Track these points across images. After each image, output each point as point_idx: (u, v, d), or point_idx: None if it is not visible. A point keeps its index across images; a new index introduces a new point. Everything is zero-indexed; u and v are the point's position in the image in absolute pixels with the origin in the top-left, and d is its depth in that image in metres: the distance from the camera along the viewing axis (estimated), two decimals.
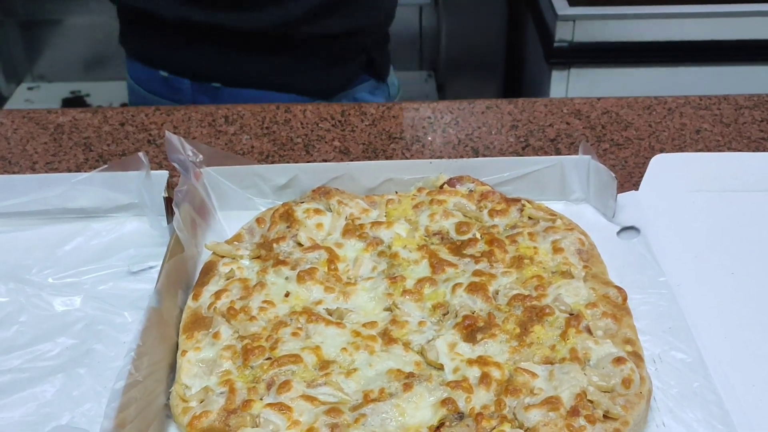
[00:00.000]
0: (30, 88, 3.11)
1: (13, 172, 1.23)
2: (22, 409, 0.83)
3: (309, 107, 1.39)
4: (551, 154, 1.26)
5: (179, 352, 0.87)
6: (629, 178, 1.19)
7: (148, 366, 0.79)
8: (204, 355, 0.87)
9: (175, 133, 1.08)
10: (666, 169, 1.16)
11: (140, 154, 1.04)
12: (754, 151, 1.26)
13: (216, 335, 0.88)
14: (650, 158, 1.17)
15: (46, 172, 1.24)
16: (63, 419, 0.82)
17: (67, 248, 1.05)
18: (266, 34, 1.53)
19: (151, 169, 1.06)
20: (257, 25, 1.51)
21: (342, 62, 1.61)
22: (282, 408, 0.79)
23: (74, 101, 3.01)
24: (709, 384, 0.84)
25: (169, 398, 0.83)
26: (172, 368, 0.86)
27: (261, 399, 0.81)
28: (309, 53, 1.58)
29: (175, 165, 1.04)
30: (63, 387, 0.86)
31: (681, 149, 1.26)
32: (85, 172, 1.10)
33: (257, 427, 0.78)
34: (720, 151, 1.26)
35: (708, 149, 1.26)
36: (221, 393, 0.82)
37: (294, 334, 0.88)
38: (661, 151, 1.24)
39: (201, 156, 1.07)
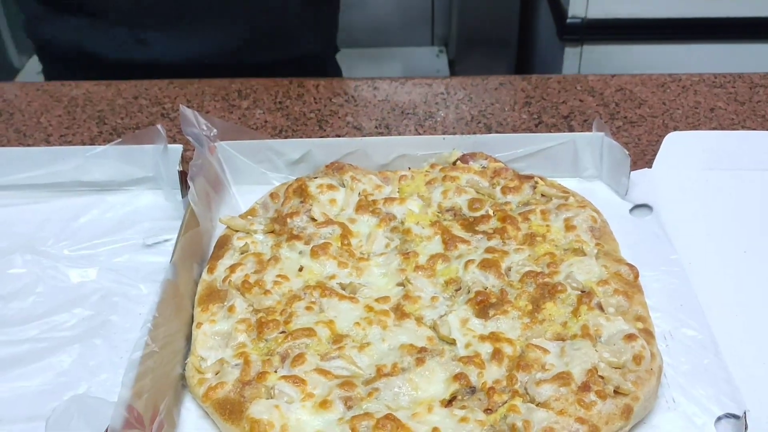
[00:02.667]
0: None
1: (28, 145, 1.24)
2: (40, 378, 0.84)
3: (322, 82, 1.39)
4: (564, 131, 1.25)
5: (194, 324, 0.88)
6: (642, 156, 1.19)
7: (164, 337, 0.80)
8: (219, 328, 0.88)
9: (188, 107, 1.09)
10: (680, 147, 1.16)
11: (158, 126, 1.05)
12: None
13: (231, 308, 0.89)
14: (664, 136, 1.16)
15: (61, 144, 1.24)
16: (80, 388, 0.83)
17: (82, 221, 1.06)
18: (205, 63, 1.48)
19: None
20: (199, 53, 1.47)
21: None
22: (296, 381, 0.80)
23: None
24: (720, 361, 0.84)
25: (184, 369, 0.84)
26: (188, 340, 0.87)
27: (275, 371, 0.82)
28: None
29: (190, 139, 1.04)
30: (80, 357, 0.87)
31: (695, 127, 1.26)
32: (99, 145, 1.11)
33: (272, 398, 0.79)
34: (734, 129, 1.25)
35: (722, 127, 1.26)
36: (236, 365, 0.83)
37: (308, 308, 0.89)
38: (675, 129, 1.24)
39: (215, 130, 1.08)
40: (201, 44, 1.46)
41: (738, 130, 1.25)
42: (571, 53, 2.23)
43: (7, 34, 2.95)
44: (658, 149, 1.15)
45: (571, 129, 1.26)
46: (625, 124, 1.27)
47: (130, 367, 0.74)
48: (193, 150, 1.04)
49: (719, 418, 0.79)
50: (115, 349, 0.88)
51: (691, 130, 1.25)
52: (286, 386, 0.79)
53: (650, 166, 1.14)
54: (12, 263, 0.99)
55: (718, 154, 1.15)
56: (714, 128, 1.26)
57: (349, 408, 0.78)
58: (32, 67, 3.06)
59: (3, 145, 1.23)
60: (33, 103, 1.34)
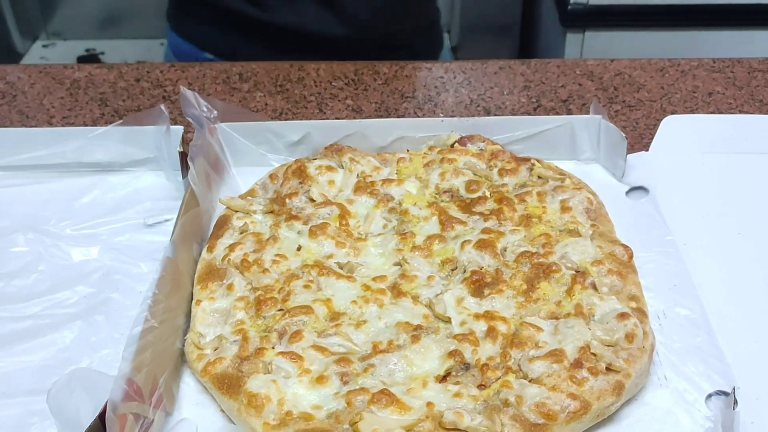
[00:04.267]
0: (45, 46, 3.11)
1: (31, 126, 1.25)
2: (42, 353, 0.86)
3: (322, 65, 1.40)
4: (563, 115, 1.26)
5: (194, 302, 0.90)
6: (640, 140, 1.20)
7: (164, 313, 0.81)
8: (218, 305, 0.89)
9: (190, 89, 1.09)
10: (677, 130, 1.16)
11: (162, 107, 1.05)
12: (766, 114, 1.26)
13: (230, 287, 0.90)
14: (661, 120, 1.17)
15: (63, 126, 1.25)
16: (82, 364, 0.85)
17: (84, 201, 1.07)
18: (330, 39, 1.53)
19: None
20: (326, 30, 1.52)
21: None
22: (293, 356, 0.81)
23: (89, 59, 3.02)
24: (712, 339, 0.85)
25: (183, 345, 0.86)
26: (187, 317, 0.89)
27: (273, 348, 0.83)
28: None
29: (190, 120, 1.05)
30: (81, 333, 0.88)
31: (693, 111, 1.27)
32: (101, 126, 1.12)
33: (269, 373, 0.80)
34: (732, 113, 1.26)
35: (720, 112, 1.27)
36: (234, 341, 0.84)
37: (306, 286, 0.90)
38: (673, 113, 1.25)
39: (215, 112, 1.09)
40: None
41: (735, 114, 1.26)
42: (573, 39, 2.23)
43: (11, 19, 2.96)
44: (655, 133, 1.16)
45: (569, 113, 1.27)
46: (624, 108, 1.28)
47: (130, 341, 0.75)
48: (194, 131, 1.05)
49: (710, 395, 0.80)
50: (116, 326, 0.89)
51: (688, 114, 1.25)
52: (284, 362, 0.81)
53: (647, 150, 1.14)
54: (15, 242, 1.00)
55: (714, 137, 1.16)
56: (712, 112, 1.27)
57: (345, 383, 0.79)
58: (35, 52, 3.08)
59: (6, 127, 1.24)
60: (35, 85, 1.35)
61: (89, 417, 0.70)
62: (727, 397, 0.78)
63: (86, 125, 1.26)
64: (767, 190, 1.08)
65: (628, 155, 1.09)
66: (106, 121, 1.26)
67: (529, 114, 1.27)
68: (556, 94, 1.32)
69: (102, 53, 3.08)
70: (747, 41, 2.13)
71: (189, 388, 0.83)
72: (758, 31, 2.13)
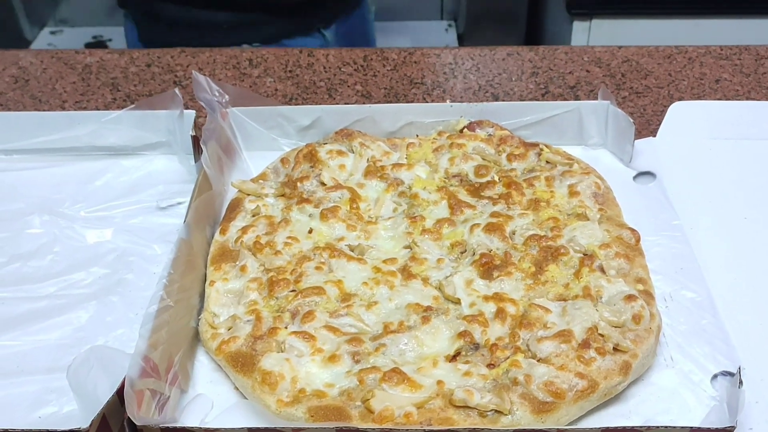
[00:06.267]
0: (53, 33, 3.12)
1: (44, 110, 1.26)
2: (59, 332, 0.88)
3: (332, 52, 1.41)
4: (571, 101, 1.27)
5: (207, 282, 0.91)
6: (647, 126, 1.21)
7: (179, 292, 0.83)
8: (231, 286, 0.90)
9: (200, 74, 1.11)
10: (684, 116, 1.17)
11: (175, 90, 1.07)
12: None
13: (243, 268, 0.92)
14: (669, 106, 1.18)
15: (75, 110, 1.27)
16: (97, 342, 0.86)
17: (97, 184, 1.09)
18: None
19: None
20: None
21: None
22: (306, 336, 0.83)
23: (96, 46, 3.02)
24: (717, 321, 0.86)
25: (198, 324, 0.87)
26: (201, 297, 0.90)
27: (286, 327, 0.84)
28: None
29: (202, 104, 1.06)
30: (96, 313, 0.90)
31: (700, 98, 1.27)
32: (114, 111, 1.13)
33: (282, 352, 0.82)
34: (738, 100, 1.27)
35: (727, 98, 1.27)
36: (248, 321, 0.85)
37: (317, 268, 0.92)
38: (680, 99, 1.26)
39: (227, 96, 1.10)
40: None
41: (742, 100, 1.27)
42: (579, 27, 2.24)
43: (19, 6, 2.97)
44: (662, 119, 1.17)
45: (577, 99, 1.28)
46: (631, 94, 1.29)
47: (146, 319, 0.77)
48: (206, 116, 1.06)
49: (715, 376, 0.82)
50: (130, 306, 0.91)
51: (695, 100, 1.26)
52: (297, 341, 0.82)
53: (655, 135, 1.15)
54: (30, 224, 1.02)
55: (721, 123, 1.17)
56: (719, 99, 1.28)
57: (357, 362, 0.81)
58: (43, 39, 3.09)
59: (20, 111, 1.26)
60: (48, 70, 1.37)
61: (107, 393, 0.71)
62: (733, 377, 0.80)
63: (98, 110, 1.27)
64: None
65: (636, 141, 1.10)
66: (118, 105, 1.28)
67: (537, 100, 1.28)
68: (564, 81, 1.33)
69: (110, 40, 3.09)
70: (754, 29, 2.14)
71: (203, 366, 0.85)
72: (765, 20, 2.13)
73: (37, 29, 3.10)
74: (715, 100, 1.27)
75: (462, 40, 3.00)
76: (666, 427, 0.69)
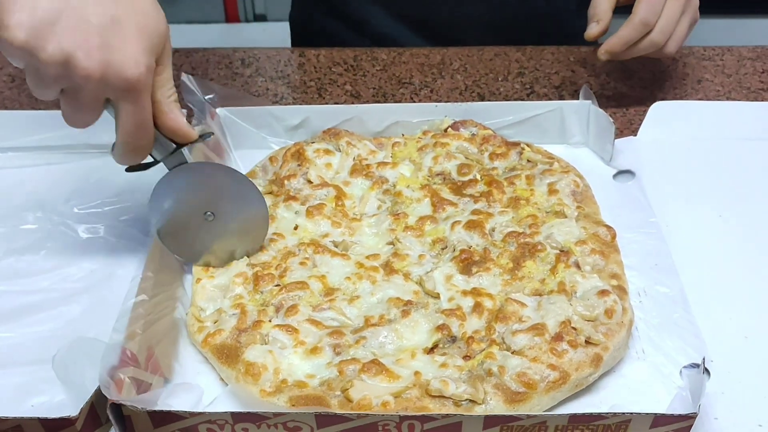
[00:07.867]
0: None
1: (39, 109, 1.29)
2: (51, 325, 0.90)
3: (322, 52, 1.44)
4: (554, 101, 1.30)
5: (194, 280, 0.94)
6: (629, 125, 1.24)
7: (155, 287, 0.86)
8: (217, 282, 0.93)
9: (193, 74, 1.13)
10: (665, 116, 1.20)
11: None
12: (752, 101, 1.29)
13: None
14: (651, 106, 1.21)
15: None
16: (89, 335, 0.88)
17: (91, 181, 1.11)
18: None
19: None
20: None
21: None
22: (289, 329, 0.85)
23: None
24: (689, 315, 0.89)
25: (184, 316, 0.90)
26: (184, 289, 0.93)
27: (270, 321, 0.87)
28: None
29: (190, 105, 1.09)
30: (89, 306, 0.93)
31: (681, 98, 1.30)
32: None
33: (266, 344, 0.84)
34: (719, 100, 1.29)
35: (708, 98, 1.30)
36: (233, 314, 0.88)
37: (302, 263, 0.94)
38: (662, 99, 1.28)
39: (216, 96, 1.13)
40: None
41: (723, 101, 1.29)
42: None
43: None
44: (644, 119, 1.19)
45: (561, 98, 1.31)
46: (615, 94, 1.32)
47: (121, 315, 0.81)
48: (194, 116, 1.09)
49: (684, 368, 0.84)
50: (121, 300, 0.93)
51: (677, 100, 1.29)
52: (280, 334, 0.85)
53: (636, 135, 1.18)
54: (24, 219, 1.05)
55: (701, 123, 1.20)
56: (700, 99, 1.30)
57: (338, 354, 0.83)
58: None
59: (16, 109, 1.28)
60: None
61: (95, 383, 0.74)
62: (698, 368, 0.82)
63: None
64: (749, 174, 1.11)
65: (617, 140, 1.13)
66: None
67: (522, 100, 1.31)
68: (550, 81, 1.35)
69: None
70: (737, 29, 2.15)
71: (191, 358, 0.88)
72: (749, 20, 2.16)
73: None
74: (696, 100, 1.30)
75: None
76: (630, 413, 0.72)
